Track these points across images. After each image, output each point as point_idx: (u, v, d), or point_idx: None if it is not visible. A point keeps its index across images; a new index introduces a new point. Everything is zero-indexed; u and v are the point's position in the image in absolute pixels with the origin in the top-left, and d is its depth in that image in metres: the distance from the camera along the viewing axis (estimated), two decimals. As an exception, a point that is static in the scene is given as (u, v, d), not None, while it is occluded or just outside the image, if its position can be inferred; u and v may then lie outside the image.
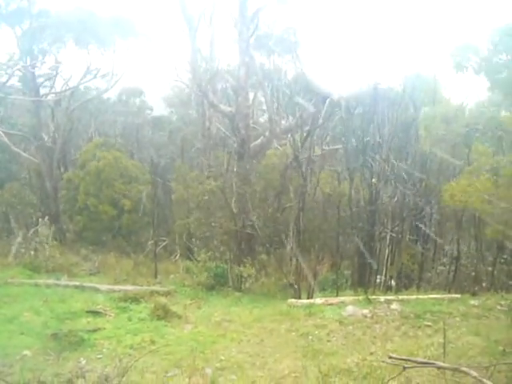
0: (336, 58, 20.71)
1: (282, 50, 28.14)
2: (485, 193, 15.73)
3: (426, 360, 8.24)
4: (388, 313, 12.99)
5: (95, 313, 14.76)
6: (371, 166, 19.84)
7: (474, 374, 6.10)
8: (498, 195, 15.77)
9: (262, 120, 29.75)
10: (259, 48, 27.67)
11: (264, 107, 26.50)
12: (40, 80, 29.94)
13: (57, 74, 30.20)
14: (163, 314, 14.33)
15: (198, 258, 19.91)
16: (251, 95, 24.19)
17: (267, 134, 22.34)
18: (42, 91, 30.45)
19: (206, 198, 20.66)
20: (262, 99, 25.22)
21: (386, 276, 19.20)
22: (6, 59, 29.41)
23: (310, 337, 11.95)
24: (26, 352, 11.13)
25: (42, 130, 29.43)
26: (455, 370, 6.96)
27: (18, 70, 27.65)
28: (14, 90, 30.00)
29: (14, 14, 27.80)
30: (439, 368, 7.58)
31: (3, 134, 28.28)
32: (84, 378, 9.00)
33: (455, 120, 20.98)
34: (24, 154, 29.91)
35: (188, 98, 33.66)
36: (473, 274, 18.03)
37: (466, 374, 6.28)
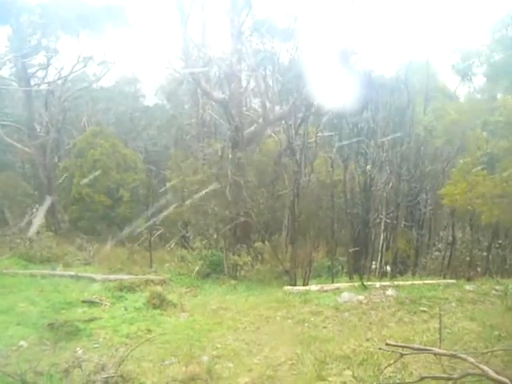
0: (331, 43, 20.56)
1: (275, 35, 28.01)
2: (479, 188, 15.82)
3: (422, 346, 8.26)
4: (383, 299, 13.01)
5: (91, 302, 14.74)
6: (366, 152, 19.82)
7: (471, 359, 6.12)
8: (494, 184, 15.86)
9: (255, 107, 29.64)
10: (253, 34, 27.55)
11: (257, 94, 26.38)
12: (32, 70, 29.76)
13: (49, 63, 30.02)
14: (159, 303, 14.31)
15: (193, 246, 19.93)
16: (244, 82, 24.10)
17: (261, 120, 22.26)
18: (34, 81, 30.30)
19: (201, 186, 20.60)
20: (256, 86, 25.11)
21: (381, 262, 19.24)
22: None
23: (306, 324, 11.96)
24: (23, 342, 11.11)
25: (35, 120, 29.31)
26: (452, 356, 6.98)
27: (9, 60, 27.47)
28: (6, 81, 29.84)
29: (4, 4, 27.59)
30: (436, 354, 7.59)
31: (-4, 125, 28.24)
32: (81, 367, 9.00)
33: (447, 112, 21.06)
34: (17, 145, 29.81)
35: (181, 85, 33.50)
36: (468, 259, 18.07)
37: (463, 359, 6.30)
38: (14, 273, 17.54)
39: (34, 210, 22.87)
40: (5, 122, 29.19)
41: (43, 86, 30.48)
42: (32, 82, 29.83)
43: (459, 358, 6.79)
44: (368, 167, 19.67)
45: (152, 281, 17.25)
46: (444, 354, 7.38)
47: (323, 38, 20.93)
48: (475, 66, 33.94)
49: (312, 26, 22.11)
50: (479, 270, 17.98)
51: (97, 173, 26.74)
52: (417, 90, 23.53)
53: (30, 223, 21.68)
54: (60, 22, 28.59)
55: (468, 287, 13.70)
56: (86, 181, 26.49)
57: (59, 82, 30.40)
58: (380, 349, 8.42)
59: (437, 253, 19.80)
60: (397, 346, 7.77)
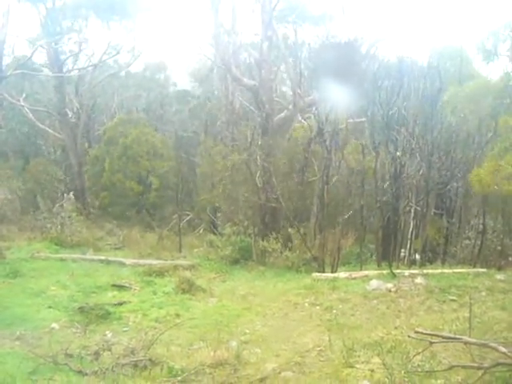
0: (361, 29, 20.44)
1: (306, 21, 27.87)
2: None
3: (452, 335, 8.18)
4: (412, 287, 12.92)
5: (120, 287, 14.93)
6: (396, 139, 19.61)
7: (503, 349, 6.03)
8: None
9: (285, 93, 29.52)
10: (283, 20, 27.45)
11: (288, 80, 26.25)
12: (63, 56, 29.92)
13: (80, 50, 30.17)
14: (188, 288, 14.44)
15: (222, 232, 20.00)
16: (275, 68, 24.01)
17: (291, 107, 22.16)
18: (66, 67, 30.46)
19: (230, 172, 20.65)
20: (286, 72, 25.01)
21: (410, 250, 19.06)
22: (29, 35, 29.54)
23: (334, 311, 11.94)
24: (54, 325, 11.31)
25: (66, 105, 29.53)
26: (483, 345, 6.90)
27: (41, 46, 27.64)
28: (38, 67, 30.08)
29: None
30: (466, 343, 7.52)
31: (28, 111, 28.51)
32: (110, 350, 9.16)
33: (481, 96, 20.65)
34: (49, 130, 30.10)
35: (211, 72, 33.51)
36: (499, 248, 17.82)
37: (494, 349, 6.21)
38: (46, 256, 17.80)
39: (65, 195, 23.10)
40: (37, 108, 29.46)
41: (73, 72, 30.65)
42: (63, 68, 29.99)
43: (490, 347, 6.72)
44: (398, 154, 19.46)
45: (181, 266, 17.39)
46: (474, 343, 7.30)
47: (355, 22, 20.77)
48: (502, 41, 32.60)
49: (342, 12, 21.83)
50: (510, 259, 17.73)
51: (126, 160, 27.00)
52: (449, 76, 23.16)
53: (61, 208, 21.92)
54: (92, 6, 28.71)
55: (499, 276, 13.53)
56: (116, 168, 26.78)
57: (90, 68, 30.55)
58: (409, 336, 8.37)
59: (467, 241, 19.56)
60: (426, 334, 7.71)
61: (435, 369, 7.63)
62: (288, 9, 26.73)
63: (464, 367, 7.33)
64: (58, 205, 22.42)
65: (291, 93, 22.84)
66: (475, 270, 14.73)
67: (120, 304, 13.22)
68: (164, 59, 38.92)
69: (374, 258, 18.99)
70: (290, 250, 18.36)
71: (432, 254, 19.32)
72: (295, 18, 26.90)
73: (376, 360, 8.38)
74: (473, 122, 20.07)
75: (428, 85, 19.86)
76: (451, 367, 7.20)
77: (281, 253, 18.20)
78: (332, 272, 15.96)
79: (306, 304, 12.70)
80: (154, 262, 17.94)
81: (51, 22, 27.91)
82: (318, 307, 12.37)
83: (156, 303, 13.49)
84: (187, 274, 15.90)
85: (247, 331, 11.03)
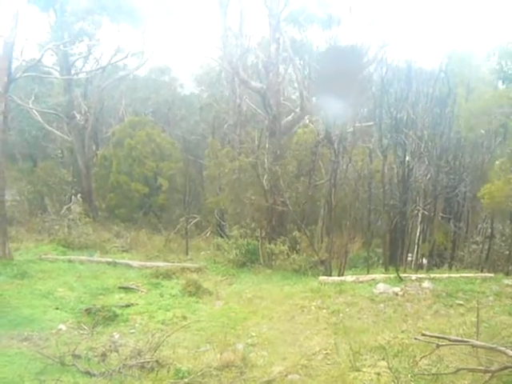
0: (369, 32, 20.38)
1: (313, 24, 27.88)
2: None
3: (459, 338, 8.16)
4: (419, 291, 12.90)
5: (127, 289, 14.98)
6: (404, 143, 19.58)
7: (511, 353, 6.00)
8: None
9: (293, 96, 29.51)
10: (291, 23, 27.47)
11: (295, 83, 26.25)
12: (72, 59, 30.00)
13: (89, 53, 30.28)
14: (194, 291, 14.49)
15: (229, 235, 20.00)
16: (282, 71, 24.01)
17: (298, 110, 22.16)
18: (74, 70, 30.56)
19: (238, 174, 20.65)
20: (293, 75, 25.00)
21: (417, 254, 19.03)
22: (38, 38, 29.63)
23: (341, 314, 11.94)
24: (61, 326, 11.36)
25: (75, 108, 29.61)
26: (491, 349, 6.88)
27: (50, 48, 27.73)
28: (48, 69, 30.19)
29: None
30: (474, 347, 7.49)
31: (37, 113, 28.61)
32: (117, 352, 9.19)
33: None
34: (57, 132, 30.22)
35: (218, 75, 33.56)
36: (507, 252, 17.75)
37: (502, 353, 6.19)
38: (53, 258, 17.88)
39: (73, 197, 23.18)
40: (45, 110, 29.55)
41: (82, 75, 30.75)
42: (72, 71, 30.08)
43: (498, 351, 6.70)
44: (407, 158, 19.43)
45: (188, 268, 17.45)
46: (482, 347, 7.29)
47: (363, 25, 20.74)
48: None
49: (349, 12, 21.73)
50: (519, 264, 17.65)
51: (132, 161, 27.11)
52: (458, 80, 23.10)
53: (68, 210, 22.00)
54: (101, 10, 28.77)
55: (506, 281, 13.49)
56: (123, 170, 26.91)
57: (98, 71, 30.59)
58: (416, 339, 8.36)
59: (474, 246, 19.50)
60: (433, 336, 7.71)
61: (442, 372, 7.62)
62: (296, 11, 26.73)
63: (471, 370, 7.32)
64: (65, 207, 22.52)
65: (298, 95, 22.83)
66: (483, 274, 14.70)
67: (127, 306, 13.28)
68: (172, 62, 38.90)
69: (381, 261, 18.95)
70: (297, 253, 18.33)
71: (439, 259, 19.28)
72: (303, 21, 26.91)
73: (383, 363, 8.38)
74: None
75: (437, 89, 19.85)
76: (458, 370, 7.20)
77: (288, 256, 18.17)
78: (339, 275, 15.93)
79: (313, 307, 12.68)
80: (161, 264, 17.97)
81: (60, 24, 28.01)
82: (324, 310, 12.35)
83: (163, 305, 13.52)
84: (194, 276, 15.97)
85: (254, 334, 11.05)
